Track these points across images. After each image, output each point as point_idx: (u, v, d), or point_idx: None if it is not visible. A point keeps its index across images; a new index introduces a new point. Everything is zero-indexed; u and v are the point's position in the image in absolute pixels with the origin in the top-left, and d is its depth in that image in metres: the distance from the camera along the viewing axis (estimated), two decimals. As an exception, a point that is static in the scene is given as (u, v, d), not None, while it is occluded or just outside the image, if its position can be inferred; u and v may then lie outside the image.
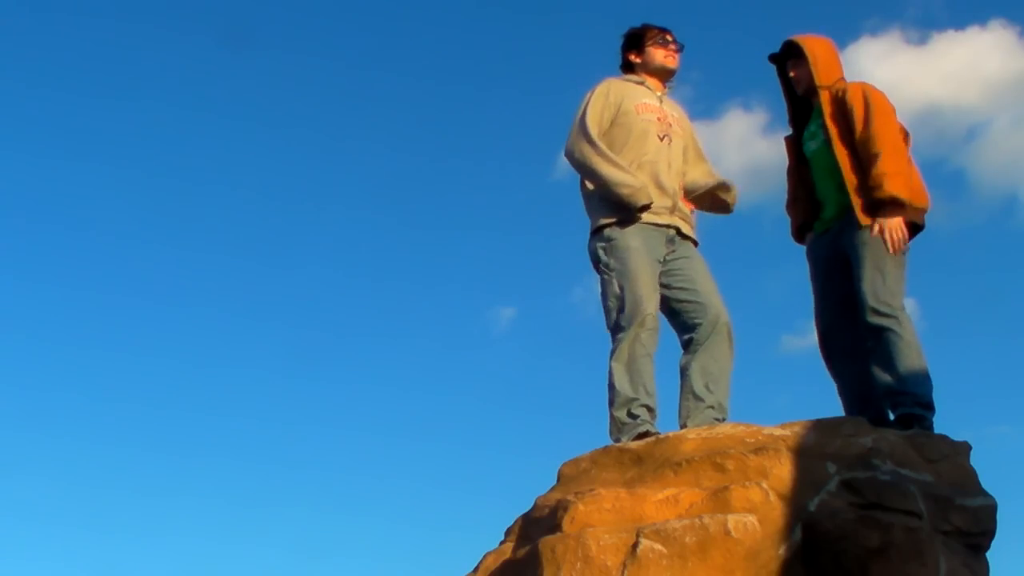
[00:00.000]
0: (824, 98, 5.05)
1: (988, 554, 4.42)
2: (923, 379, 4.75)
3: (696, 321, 5.04)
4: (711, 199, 5.47)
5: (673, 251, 5.11)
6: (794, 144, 5.32)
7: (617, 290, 5.01)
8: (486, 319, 20.76)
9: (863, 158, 4.88)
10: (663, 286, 5.08)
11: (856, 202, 4.88)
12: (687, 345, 5.07)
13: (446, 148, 21.71)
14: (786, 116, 5.38)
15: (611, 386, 4.94)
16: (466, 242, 21.36)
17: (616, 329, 4.99)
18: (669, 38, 5.40)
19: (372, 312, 21.20)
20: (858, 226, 4.86)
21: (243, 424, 19.85)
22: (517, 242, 20.85)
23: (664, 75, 5.39)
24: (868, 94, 4.97)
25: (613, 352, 4.98)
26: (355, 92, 21.62)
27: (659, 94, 5.35)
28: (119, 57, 21.09)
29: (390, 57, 21.65)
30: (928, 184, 5.07)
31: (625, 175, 5.04)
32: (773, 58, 5.30)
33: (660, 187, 5.12)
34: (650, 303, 4.96)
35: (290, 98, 22.07)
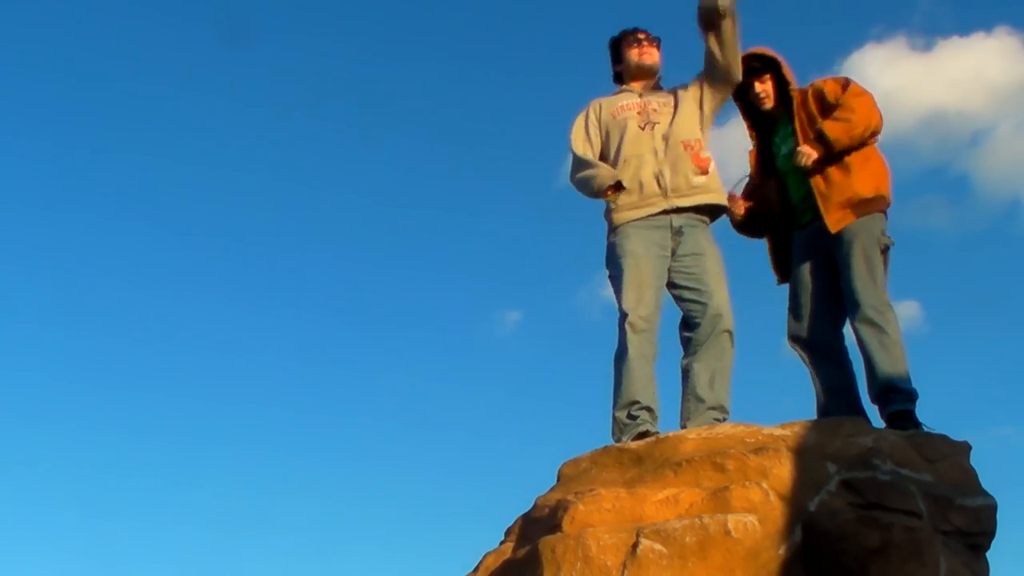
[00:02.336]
0: (797, 100, 5.08)
1: (988, 554, 4.42)
2: (908, 374, 4.82)
3: (696, 320, 5.04)
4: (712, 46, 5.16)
5: (682, 242, 5.09)
6: (760, 157, 5.29)
7: (615, 296, 5.11)
8: (491, 322, 20.80)
9: (835, 114, 4.89)
10: (671, 284, 5.09)
11: (824, 208, 4.92)
12: (686, 344, 5.08)
13: (451, 151, 21.79)
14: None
15: (615, 386, 4.99)
16: (472, 245, 21.40)
17: (618, 330, 5.05)
18: (641, 36, 5.42)
19: (377, 313, 21.28)
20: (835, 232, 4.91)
21: (247, 421, 19.95)
22: (523, 246, 20.88)
23: (643, 72, 5.40)
24: (839, 79, 5.05)
25: (616, 354, 5.03)
26: (364, 93, 21.72)
27: (639, 90, 5.37)
28: (127, 53, 21.17)
29: (399, 58, 21.74)
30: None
31: (590, 169, 5.19)
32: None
33: (640, 180, 5.11)
34: (641, 307, 4.99)
35: (298, 100, 22.18)
